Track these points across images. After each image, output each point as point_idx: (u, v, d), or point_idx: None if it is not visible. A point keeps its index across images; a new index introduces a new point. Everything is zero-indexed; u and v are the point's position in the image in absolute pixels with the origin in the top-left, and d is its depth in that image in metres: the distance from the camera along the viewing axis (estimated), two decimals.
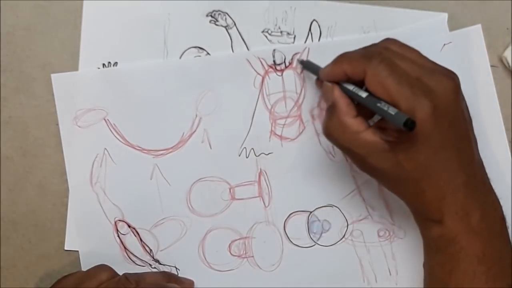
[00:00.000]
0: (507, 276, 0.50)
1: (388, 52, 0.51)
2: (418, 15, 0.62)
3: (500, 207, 0.51)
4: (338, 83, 0.54)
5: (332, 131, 0.52)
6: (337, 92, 0.53)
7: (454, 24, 0.62)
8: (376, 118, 0.54)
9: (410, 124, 0.46)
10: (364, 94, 0.51)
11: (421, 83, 0.49)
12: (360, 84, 0.52)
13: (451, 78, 0.50)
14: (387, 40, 0.53)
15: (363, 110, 0.52)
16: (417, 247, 0.61)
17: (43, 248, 0.62)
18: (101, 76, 0.61)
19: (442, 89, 0.49)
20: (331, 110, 0.53)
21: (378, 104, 0.49)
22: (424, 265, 0.54)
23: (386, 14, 0.62)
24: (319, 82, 0.58)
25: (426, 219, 0.51)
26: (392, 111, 0.47)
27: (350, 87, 0.53)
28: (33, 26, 0.62)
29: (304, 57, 0.61)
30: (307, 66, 0.61)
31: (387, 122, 0.50)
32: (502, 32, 0.62)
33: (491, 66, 0.62)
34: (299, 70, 0.61)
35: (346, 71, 0.52)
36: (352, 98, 0.52)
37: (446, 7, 0.62)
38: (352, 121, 0.51)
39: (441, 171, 0.49)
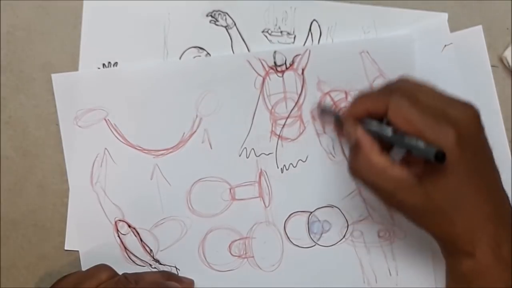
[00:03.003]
0: None
1: (408, 87, 0.51)
2: (418, 15, 0.62)
3: None
4: (359, 121, 0.54)
5: (358, 169, 0.52)
6: (360, 131, 0.53)
7: (454, 24, 0.62)
8: (397, 152, 0.52)
9: (440, 157, 0.46)
10: (389, 131, 0.51)
11: (443, 113, 0.49)
12: (379, 120, 0.52)
13: (472, 108, 0.50)
14: (402, 77, 0.53)
15: (382, 142, 0.52)
16: (418, 247, 0.61)
17: (43, 248, 0.62)
18: (101, 76, 0.61)
19: (465, 118, 0.49)
20: (355, 149, 0.53)
21: (406, 140, 0.49)
22: None
23: (386, 14, 0.62)
24: (337, 125, 0.58)
25: (456, 252, 0.50)
26: (421, 144, 0.48)
27: (374, 124, 0.53)
28: (33, 26, 0.62)
29: (304, 60, 0.61)
30: (325, 110, 0.61)
31: (411, 155, 0.50)
32: (502, 32, 0.62)
33: (491, 66, 0.62)
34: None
35: (368, 108, 0.53)
36: (375, 135, 0.52)
37: (446, 7, 0.62)
38: (378, 159, 0.51)
39: (469, 201, 0.48)
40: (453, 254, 0.51)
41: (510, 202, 0.51)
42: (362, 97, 0.54)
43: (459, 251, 0.49)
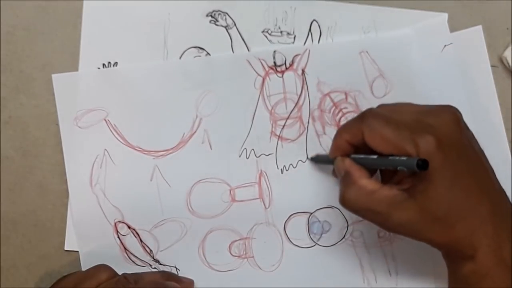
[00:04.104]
0: None
1: (380, 109, 0.52)
2: (418, 15, 0.62)
3: None
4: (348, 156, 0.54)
5: (349, 197, 0.52)
6: (347, 161, 0.53)
7: (454, 24, 0.62)
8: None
9: (422, 164, 0.46)
10: (374, 156, 0.51)
11: (419, 123, 0.49)
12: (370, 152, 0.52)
13: (449, 111, 0.50)
14: (379, 105, 0.54)
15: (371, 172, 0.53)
16: (417, 247, 0.60)
17: (43, 248, 0.62)
18: (101, 76, 0.61)
19: (441, 122, 0.49)
20: (345, 179, 0.53)
21: (390, 157, 0.49)
22: None
23: (386, 14, 0.62)
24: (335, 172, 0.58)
25: (458, 257, 0.50)
26: (403, 158, 0.48)
27: (360, 156, 0.53)
28: (33, 26, 0.62)
29: (304, 60, 0.61)
30: (319, 160, 0.61)
31: (399, 175, 0.50)
32: (502, 32, 0.62)
33: (491, 66, 0.62)
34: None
35: (347, 140, 0.53)
36: (365, 166, 0.53)
37: (446, 7, 0.62)
38: (367, 182, 0.51)
39: (463, 203, 0.48)
40: (455, 259, 0.50)
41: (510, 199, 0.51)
42: (341, 130, 0.55)
43: (461, 255, 0.49)
